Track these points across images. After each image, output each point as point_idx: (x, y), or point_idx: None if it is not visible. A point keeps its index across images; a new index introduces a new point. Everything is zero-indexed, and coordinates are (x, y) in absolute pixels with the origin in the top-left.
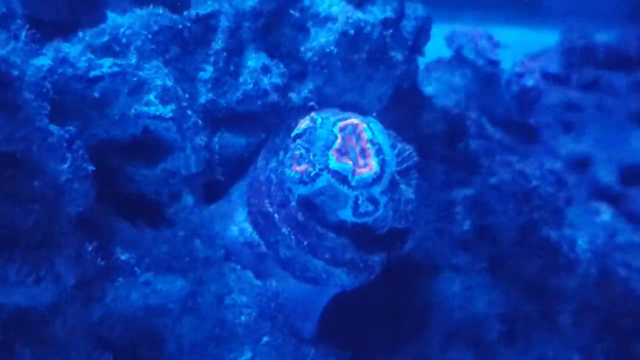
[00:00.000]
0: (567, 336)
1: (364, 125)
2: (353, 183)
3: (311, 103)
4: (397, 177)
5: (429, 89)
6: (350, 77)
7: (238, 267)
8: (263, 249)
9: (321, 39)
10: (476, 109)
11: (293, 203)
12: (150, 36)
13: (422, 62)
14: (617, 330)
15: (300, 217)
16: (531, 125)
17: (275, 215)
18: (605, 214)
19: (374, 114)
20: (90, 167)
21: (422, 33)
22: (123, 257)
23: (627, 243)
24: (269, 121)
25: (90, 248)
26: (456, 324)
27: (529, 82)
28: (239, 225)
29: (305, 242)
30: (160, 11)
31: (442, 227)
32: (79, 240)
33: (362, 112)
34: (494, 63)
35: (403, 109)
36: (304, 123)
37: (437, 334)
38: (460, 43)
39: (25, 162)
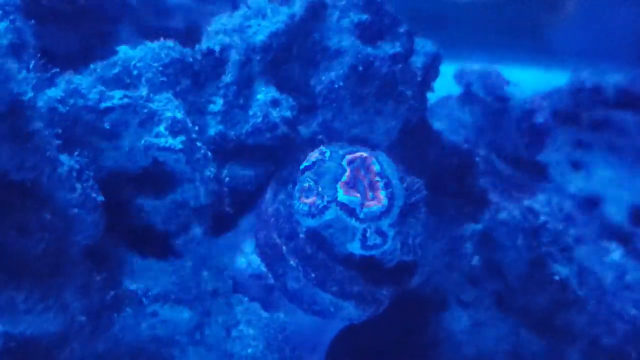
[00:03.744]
0: None
1: (373, 159)
2: (361, 216)
3: (320, 137)
4: (406, 211)
5: (437, 125)
6: (359, 112)
7: (246, 299)
8: (271, 281)
9: (331, 73)
10: (485, 145)
11: (301, 235)
12: (161, 68)
13: (431, 98)
14: None
15: (308, 249)
16: (540, 163)
17: (284, 247)
18: (615, 253)
19: (383, 149)
20: (100, 198)
21: (431, 69)
22: (131, 287)
23: (637, 282)
24: (278, 154)
25: (98, 278)
26: (465, 359)
27: (539, 119)
28: (247, 257)
29: (313, 275)
30: (172, 44)
31: (451, 261)
32: (87, 270)
33: (371, 146)
34: (503, 99)
35: (412, 144)
36: (312, 156)
37: None
38: (470, 80)
39: (35, 191)
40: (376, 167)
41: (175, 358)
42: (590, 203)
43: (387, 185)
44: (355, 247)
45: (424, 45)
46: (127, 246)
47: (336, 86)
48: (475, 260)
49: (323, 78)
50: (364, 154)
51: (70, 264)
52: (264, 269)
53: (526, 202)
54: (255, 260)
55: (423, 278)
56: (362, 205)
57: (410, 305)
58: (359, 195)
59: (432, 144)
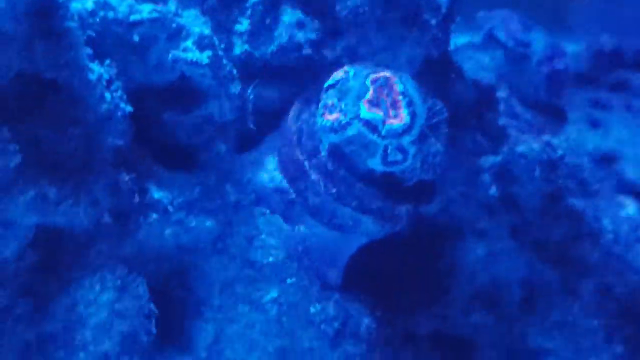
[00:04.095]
0: (588, 304)
1: (396, 78)
2: (383, 132)
3: (344, 60)
4: (427, 131)
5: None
6: (383, 37)
7: (267, 211)
8: (292, 195)
9: None
10: (506, 88)
11: (323, 152)
12: None
13: (452, 43)
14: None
15: (330, 165)
16: (560, 108)
17: (306, 163)
18: (630, 207)
19: None
20: (129, 108)
21: (455, 3)
22: (156, 196)
23: None
24: (303, 76)
25: (127, 179)
26: (478, 288)
27: (560, 65)
28: (269, 173)
29: (334, 190)
30: None
31: (468, 191)
32: (116, 171)
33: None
34: (525, 44)
35: (434, 77)
36: (337, 75)
37: (460, 297)
38: (492, 24)
39: (67, 90)
40: (399, 87)
41: (198, 266)
42: (607, 160)
43: (410, 104)
44: (376, 163)
45: None
46: (153, 158)
47: (361, 11)
48: (493, 190)
49: (348, 3)
50: (388, 74)
51: (101, 164)
52: (285, 184)
53: (545, 137)
54: (278, 176)
55: (441, 206)
56: (384, 122)
57: (427, 233)
58: (381, 112)
59: (454, 79)
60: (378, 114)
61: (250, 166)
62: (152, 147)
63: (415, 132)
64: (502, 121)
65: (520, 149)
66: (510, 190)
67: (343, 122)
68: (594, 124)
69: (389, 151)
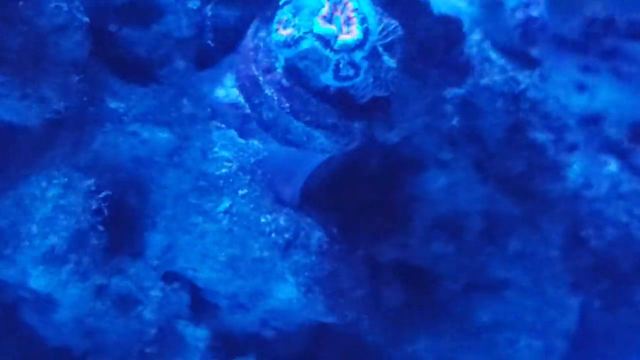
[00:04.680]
0: (548, 235)
1: None
2: (335, 47)
3: None
4: (381, 49)
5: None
6: None
7: (223, 125)
8: (248, 111)
9: None
10: (479, 32)
11: (279, 69)
12: None
13: None
14: (613, 273)
15: (285, 81)
16: (534, 57)
17: (261, 78)
18: (612, 165)
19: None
20: (85, 19)
21: None
22: (111, 105)
23: (631, 192)
24: None
25: (76, 79)
26: (440, 217)
27: (534, 12)
28: (226, 89)
29: (288, 105)
30: None
31: (431, 122)
32: (66, 72)
33: None
34: None
35: (398, 12)
36: None
37: (421, 226)
38: None
39: None
40: (353, 4)
41: (154, 177)
42: (592, 121)
43: (363, 21)
44: (328, 78)
45: None
46: (112, 72)
47: None
48: (455, 121)
49: None
50: None
51: (52, 66)
52: (242, 99)
53: (511, 73)
54: (234, 92)
55: (403, 135)
56: (336, 37)
57: (389, 162)
58: (335, 28)
59: (420, 14)
60: (331, 29)
61: (208, 82)
62: (111, 61)
63: (367, 47)
64: (471, 59)
65: (484, 81)
66: (472, 122)
67: (296, 36)
68: (581, 88)
69: (341, 66)
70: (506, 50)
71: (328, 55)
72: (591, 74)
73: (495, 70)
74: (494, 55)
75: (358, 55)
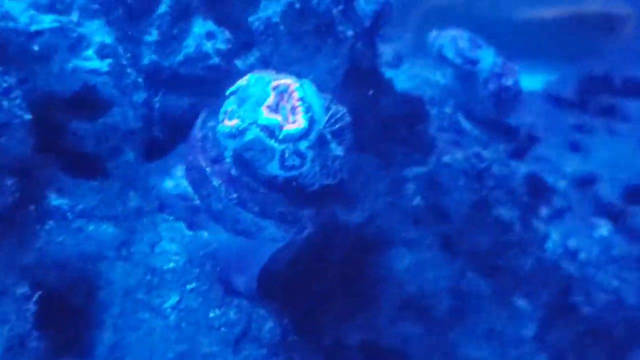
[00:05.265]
0: (519, 312)
1: (297, 85)
2: (280, 137)
3: (256, 70)
4: (329, 137)
5: (405, 83)
6: (297, 48)
7: (171, 218)
8: (197, 202)
9: (269, 9)
10: (451, 104)
11: (227, 159)
12: None
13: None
14: (604, 338)
15: (233, 172)
16: (511, 126)
17: (208, 169)
18: (604, 228)
19: (330, 89)
20: (28, 116)
21: (381, 15)
22: (55, 203)
23: (622, 256)
24: (213, 85)
25: (10, 182)
26: (407, 297)
27: (508, 81)
28: (175, 180)
29: (235, 195)
30: None
31: (395, 201)
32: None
33: (317, 85)
34: (473, 62)
35: (363, 91)
36: (240, 82)
37: (388, 306)
38: (442, 43)
39: None
40: (299, 93)
41: (101, 273)
42: (585, 182)
43: (308, 110)
44: (274, 168)
45: None
46: (59, 167)
47: (274, 22)
48: (417, 200)
49: (261, 14)
50: (289, 81)
51: None
52: (190, 191)
53: (474, 149)
54: (183, 183)
55: (366, 215)
56: (281, 127)
57: (353, 244)
58: (280, 118)
59: (385, 91)
60: (276, 119)
61: (156, 174)
62: (59, 155)
63: (313, 137)
64: (438, 135)
65: (445, 158)
66: (436, 200)
67: (241, 127)
68: (575, 148)
69: (286, 156)
70: (480, 120)
71: (273, 146)
72: (586, 133)
73: (465, 142)
74: (467, 125)
75: (303, 145)
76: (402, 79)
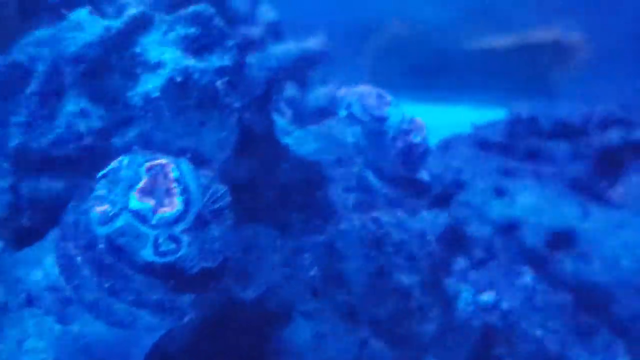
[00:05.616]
0: None
1: (172, 166)
2: (153, 222)
3: (135, 147)
4: (207, 217)
5: (313, 145)
6: (180, 123)
7: (39, 312)
8: (68, 293)
9: (148, 84)
10: (361, 163)
11: (100, 245)
12: None
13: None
14: None
15: (106, 259)
16: (422, 182)
17: (79, 258)
18: (527, 276)
19: (220, 161)
20: None
21: (273, 83)
22: None
23: (545, 304)
24: (88, 166)
25: None
26: None
27: (416, 138)
28: (45, 270)
29: (107, 285)
30: None
31: (292, 273)
32: None
33: (205, 158)
34: (381, 119)
35: (258, 157)
36: (111, 164)
37: None
38: (350, 101)
39: None
40: (174, 174)
41: None
42: (509, 228)
43: (184, 192)
44: (148, 254)
45: (268, 60)
46: None
47: (154, 96)
48: (314, 270)
49: (140, 90)
50: (164, 161)
51: None
52: (62, 281)
53: (374, 214)
54: (54, 272)
55: (261, 290)
56: (155, 211)
57: (250, 319)
58: (153, 201)
59: (281, 158)
60: (148, 203)
61: (25, 264)
62: None
63: (189, 219)
64: (345, 197)
65: (343, 226)
66: (335, 269)
67: (111, 214)
68: (500, 192)
69: (160, 241)
70: (390, 178)
71: (146, 231)
72: (512, 177)
73: (374, 201)
74: (377, 184)
75: (179, 229)
76: (309, 139)
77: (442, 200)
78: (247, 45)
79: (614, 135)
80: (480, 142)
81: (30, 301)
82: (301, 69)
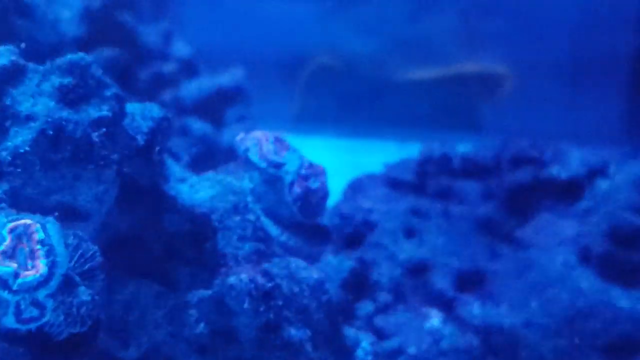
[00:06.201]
0: None
1: (37, 226)
2: (15, 287)
3: (3, 204)
4: (75, 279)
5: (203, 193)
6: (54, 177)
7: None
8: None
9: (18, 138)
10: (257, 211)
11: None
12: None
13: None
14: None
15: None
16: (323, 227)
17: None
18: (435, 319)
19: (100, 215)
20: None
21: (156, 133)
22: None
23: (452, 348)
24: None
25: None
26: None
27: (315, 184)
28: None
29: None
30: None
31: (176, 331)
32: None
33: (82, 213)
34: (278, 166)
35: (143, 210)
36: None
37: None
38: (247, 146)
39: None
40: (39, 235)
41: None
42: (418, 269)
43: (49, 253)
44: (10, 321)
45: (152, 110)
46: None
47: (22, 151)
48: (201, 327)
49: (8, 144)
50: (29, 221)
51: None
52: None
53: (263, 265)
54: None
55: (142, 350)
56: (17, 275)
57: None
58: (15, 265)
59: (169, 209)
60: (10, 267)
61: None
62: None
63: (54, 283)
64: (235, 249)
65: (231, 280)
66: (223, 325)
67: None
68: (409, 233)
69: (22, 307)
70: (288, 225)
71: (6, 297)
72: (421, 217)
73: (270, 250)
74: (275, 231)
75: (42, 294)
76: (205, 185)
77: (352, 242)
78: (158, 82)
79: (524, 174)
80: (392, 182)
81: None
82: (215, 106)
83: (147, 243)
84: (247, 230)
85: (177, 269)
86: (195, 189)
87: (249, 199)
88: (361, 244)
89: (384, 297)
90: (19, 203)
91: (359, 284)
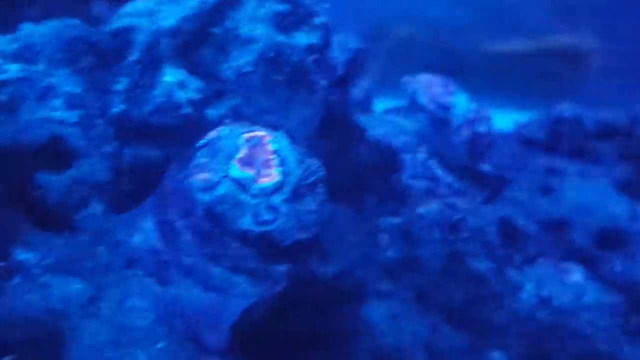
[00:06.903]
0: None
1: (270, 137)
2: (253, 191)
3: (228, 120)
4: (302, 189)
5: (379, 130)
6: (269, 98)
7: (140, 273)
8: (166, 256)
9: (240, 59)
10: (425, 151)
11: (199, 213)
12: (62, 45)
13: (380, 107)
14: None
15: (204, 226)
16: (485, 173)
17: (178, 223)
18: (576, 274)
19: (302, 138)
20: None
21: (354, 64)
22: (20, 258)
23: (595, 303)
24: (185, 135)
25: None
26: (381, 351)
27: (481, 128)
28: (145, 234)
29: (206, 250)
30: (77, 22)
31: (369, 253)
32: None
33: (288, 134)
34: (447, 108)
35: (336, 138)
36: (210, 134)
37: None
38: (415, 88)
39: None
40: (272, 146)
41: (68, 330)
42: (556, 226)
43: (282, 163)
44: (247, 223)
45: (349, 42)
46: (25, 220)
47: (244, 71)
48: (392, 252)
49: (233, 64)
50: (262, 133)
51: None
52: (160, 244)
53: (449, 199)
54: (153, 236)
55: (339, 268)
56: (254, 181)
57: (326, 296)
58: (253, 171)
59: (357, 140)
60: (249, 172)
61: (126, 227)
62: (25, 208)
63: (287, 190)
64: (413, 183)
65: (420, 210)
66: (411, 252)
67: (212, 181)
68: (546, 191)
69: (259, 210)
70: (453, 167)
71: (246, 200)
72: (557, 175)
73: (439, 189)
74: (441, 172)
75: (277, 199)
76: (374, 124)
77: (489, 198)
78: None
79: None
80: (523, 140)
81: (131, 263)
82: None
83: (338, 170)
84: (417, 169)
85: (366, 197)
86: (368, 127)
87: (416, 140)
88: (496, 200)
89: (527, 250)
90: (238, 120)
91: (506, 234)
